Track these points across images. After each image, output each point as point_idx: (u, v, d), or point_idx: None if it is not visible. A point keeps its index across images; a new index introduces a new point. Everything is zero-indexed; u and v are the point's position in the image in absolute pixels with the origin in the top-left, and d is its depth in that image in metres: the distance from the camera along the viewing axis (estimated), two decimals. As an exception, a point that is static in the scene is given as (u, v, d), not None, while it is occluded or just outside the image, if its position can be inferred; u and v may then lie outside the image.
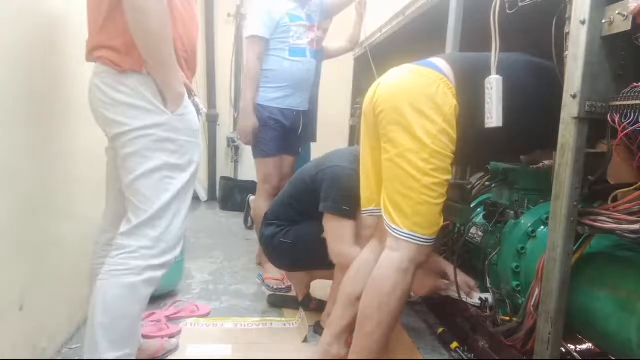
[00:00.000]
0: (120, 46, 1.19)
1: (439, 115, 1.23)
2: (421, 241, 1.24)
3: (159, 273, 1.26)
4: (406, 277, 1.26)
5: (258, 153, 2.54)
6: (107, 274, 1.21)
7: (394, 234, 1.26)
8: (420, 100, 1.24)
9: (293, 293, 2.22)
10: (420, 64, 1.34)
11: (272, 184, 2.48)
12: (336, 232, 1.72)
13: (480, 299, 1.61)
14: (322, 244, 1.76)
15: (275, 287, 2.28)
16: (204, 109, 1.43)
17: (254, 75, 2.44)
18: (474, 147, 1.34)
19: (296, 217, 1.91)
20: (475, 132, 1.27)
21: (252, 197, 3.80)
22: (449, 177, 1.26)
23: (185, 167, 1.27)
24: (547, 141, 1.11)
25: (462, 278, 1.68)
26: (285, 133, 2.51)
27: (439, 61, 1.33)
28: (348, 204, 1.70)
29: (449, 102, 1.25)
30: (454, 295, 1.69)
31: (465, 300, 1.65)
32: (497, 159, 1.68)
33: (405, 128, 1.24)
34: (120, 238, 1.23)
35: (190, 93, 1.35)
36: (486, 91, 1.23)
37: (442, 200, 1.25)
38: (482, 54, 1.32)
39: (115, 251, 1.23)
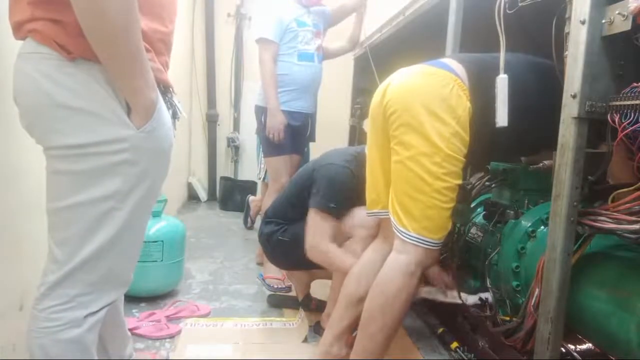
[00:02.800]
0: (71, 21, 0.82)
1: (453, 118, 1.21)
2: (429, 245, 1.24)
3: (102, 312, 1.02)
4: (412, 281, 1.25)
5: (270, 152, 2.64)
6: (41, 331, 0.96)
7: (401, 237, 1.25)
8: (433, 102, 1.22)
9: (293, 293, 2.21)
10: (432, 65, 1.31)
11: (282, 182, 2.53)
12: (317, 226, 1.73)
13: (481, 298, 1.62)
14: None
15: (276, 286, 2.29)
16: (182, 113, 1.17)
17: (272, 75, 2.52)
18: (484, 148, 1.33)
19: (294, 216, 1.92)
20: (486, 134, 1.26)
21: (251, 197, 3.81)
22: (460, 181, 1.25)
23: (142, 196, 0.98)
24: (553, 141, 1.11)
25: (440, 276, 1.69)
26: (294, 134, 2.62)
27: (451, 62, 1.31)
28: (336, 201, 1.71)
29: (463, 104, 1.23)
30: (430, 296, 1.70)
31: (454, 301, 1.66)
32: (503, 159, 1.68)
33: (418, 130, 1.22)
34: (49, 286, 0.96)
35: (167, 90, 1.07)
36: (495, 91, 1.23)
37: (452, 204, 1.24)
38: (489, 55, 1.31)
39: (44, 300, 0.96)
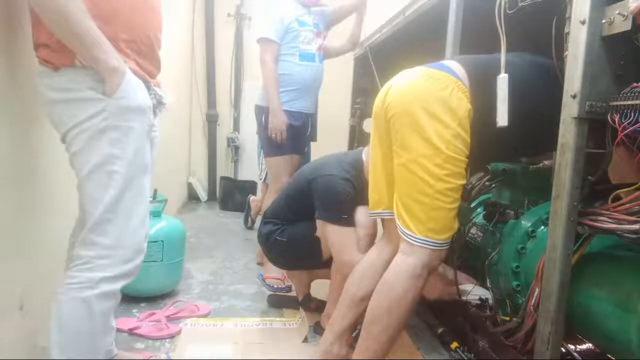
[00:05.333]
0: (53, 42, 1.11)
1: (454, 120, 1.21)
2: (436, 246, 1.23)
3: (117, 285, 1.16)
4: (418, 283, 1.25)
5: (270, 152, 2.63)
6: (64, 287, 1.13)
7: (408, 239, 1.25)
8: (434, 104, 1.22)
9: (293, 293, 2.22)
10: (433, 67, 1.31)
11: (282, 182, 2.53)
12: (340, 241, 1.72)
13: (480, 298, 1.62)
14: (316, 244, 1.77)
15: (276, 286, 2.29)
16: (166, 100, 1.33)
17: (273, 75, 2.52)
18: (485, 149, 1.32)
19: (293, 217, 1.93)
20: (487, 134, 1.25)
21: (252, 197, 3.81)
22: (463, 181, 1.24)
23: (132, 156, 1.15)
24: (554, 141, 1.10)
25: (464, 276, 1.69)
26: (295, 134, 2.61)
27: (452, 63, 1.31)
28: (346, 212, 1.71)
29: (464, 106, 1.23)
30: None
31: (465, 297, 1.66)
32: (504, 159, 1.67)
33: (419, 133, 1.22)
34: (76, 247, 1.15)
35: (149, 83, 1.25)
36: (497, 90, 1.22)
37: (456, 204, 1.24)
38: (492, 56, 1.30)
39: (72, 262, 1.15)
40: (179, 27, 3.98)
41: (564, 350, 1.26)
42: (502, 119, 1.20)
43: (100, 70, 1.10)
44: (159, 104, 1.29)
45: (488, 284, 1.58)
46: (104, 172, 1.12)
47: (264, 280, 2.34)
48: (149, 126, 1.21)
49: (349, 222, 1.72)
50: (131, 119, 1.15)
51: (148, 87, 1.23)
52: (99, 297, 1.13)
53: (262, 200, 3.45)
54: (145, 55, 1.24)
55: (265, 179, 3.11)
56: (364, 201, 1.54)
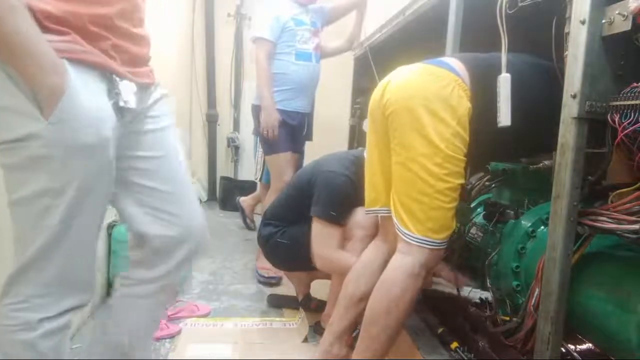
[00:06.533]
0: None
1: (454, 118, 1.20)
2: (434, 245, 1.23)
3: (64, 318, 0.98)
4: (416, 282, 1.25)
5: (269, 151, 2.63)
6: (2, 328, 0.95)
7: (406, 239, 1.24)
8: (434, 103, 1.21)
9: (293, 293, 2.22)
10: (433, 64, 1.30)
11: (284, 180, 2.52)
12: (321, 235, 1.74)
13: (481, 298, 1.62)
14: None
15: (267, 275, 2.29)
16: (128, 102, 1.01)
17: (266, 73, 2.52)
18: (485, 148, 1.32)
19: (293, 218, 1.92)
20: (487, 133, 1.25)
21: (242, 198, 3.80)
22: (462, 181, 1.24)
23: (77, 193, 0.92)
24: (554, 141, 1.11)
25: (452, 273, 1.70)
26: (292, 132, 2.61)
27: (452, 61, 1.30)
28: (336, 209, 1.72)
29: (464, 104, 1.23)
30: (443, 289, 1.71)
31: (459, 294, 1.67)
32: (504, 159, 1.67)
33: (418, 131, 1.21)
34: (7, 281, 0.95)
35: (112, 77, 0.97)
36: (497, 90, 1.22)
37: (455, 204, 1.23)
38: (493, 54, 1.30)
39: (4, 297, 0.96)
40: (179, 27, 3.97)
41: (564, 350, 1.26)
42: (505, 118, 1.20)
43: (34, 90, 0.84)
44: (118, 109, 1.00)
45: (488, 284, 1.58)
46: (42, 203, 0.91)
47: (257, 271, 2.34)
48: (108, 160, 0.97)
49: (337, 219, 1.72)
50: (74, 153, 0.90)
51: (110, 89, 0.98)
52: (43, 337, 0.95)
53: (255, 198, 3.46)
54: (124, 33, 0.97)
55: (261, 178, 3.11)
56: (364, 198, 1.55)
